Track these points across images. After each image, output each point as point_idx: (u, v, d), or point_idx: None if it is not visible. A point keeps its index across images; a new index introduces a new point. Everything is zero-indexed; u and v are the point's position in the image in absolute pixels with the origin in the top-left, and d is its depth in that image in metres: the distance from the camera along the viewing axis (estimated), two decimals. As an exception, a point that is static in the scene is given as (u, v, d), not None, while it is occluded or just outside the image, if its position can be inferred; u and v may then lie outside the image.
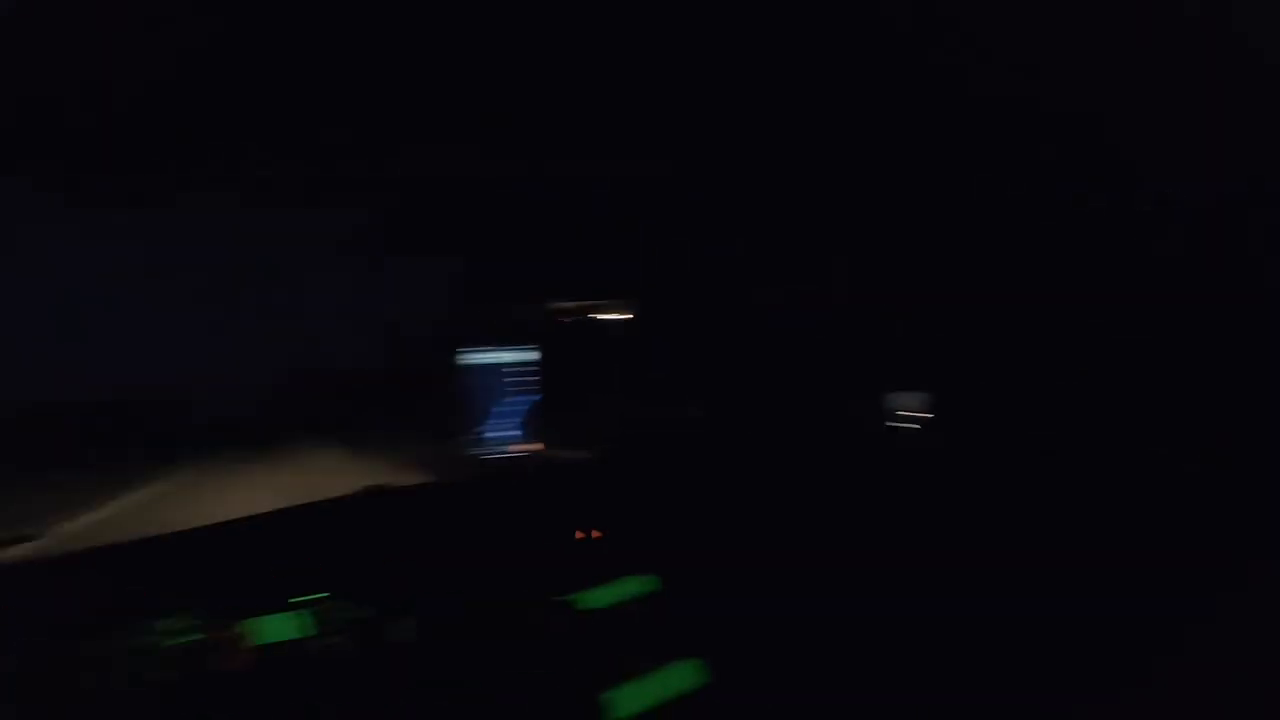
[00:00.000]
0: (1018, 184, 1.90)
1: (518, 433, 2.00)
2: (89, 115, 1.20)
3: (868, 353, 2.28)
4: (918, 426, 2.26)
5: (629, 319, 2.78)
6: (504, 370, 2.06)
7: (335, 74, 1.21)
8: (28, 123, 1.18)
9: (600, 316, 2.45)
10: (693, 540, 1.85)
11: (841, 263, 2.32)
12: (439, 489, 1.96)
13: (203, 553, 1.47)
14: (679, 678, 1.55)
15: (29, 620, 1.18)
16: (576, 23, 1.16)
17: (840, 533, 1.92)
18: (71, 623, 1.21)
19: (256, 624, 1.33)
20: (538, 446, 2.08)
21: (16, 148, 1.26)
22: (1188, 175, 1.78)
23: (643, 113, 1.47)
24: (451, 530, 1.69)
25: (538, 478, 2.09)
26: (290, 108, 1.28)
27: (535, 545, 1.73)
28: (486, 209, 1.86)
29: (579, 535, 1.83)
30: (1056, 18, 1.40)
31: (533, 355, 2.07)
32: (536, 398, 2.04)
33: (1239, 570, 1.64)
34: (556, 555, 1.73)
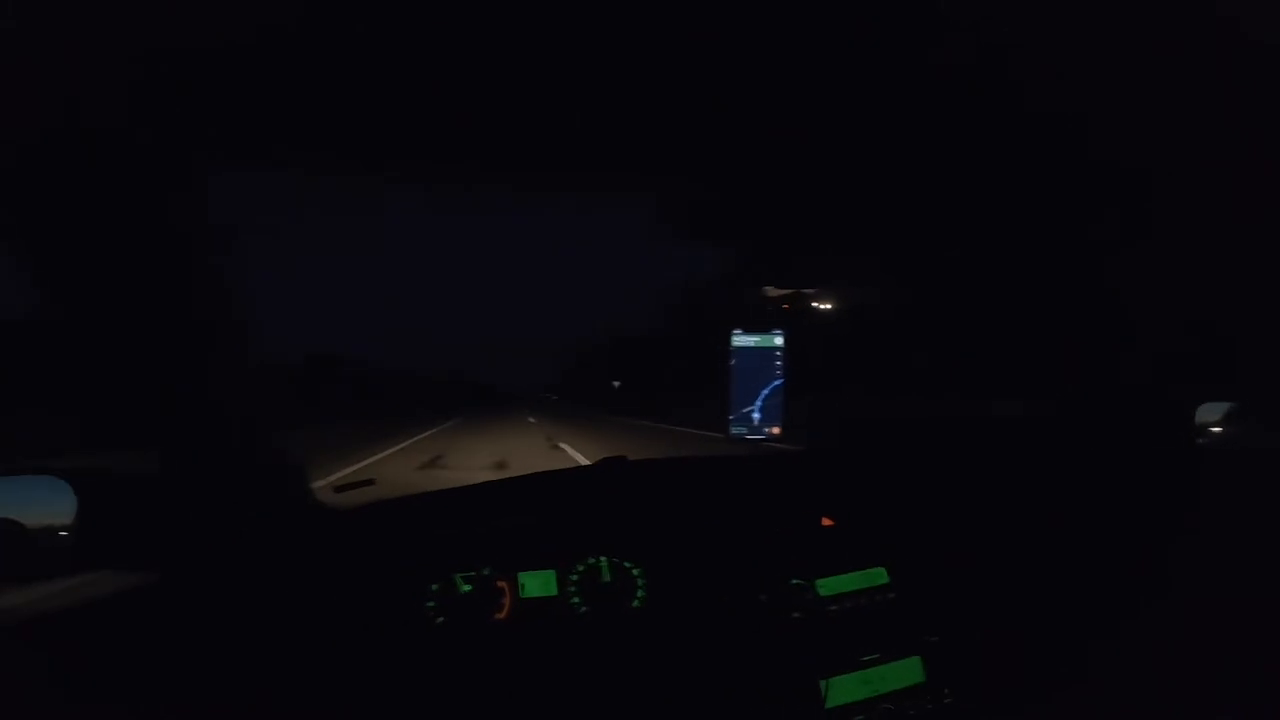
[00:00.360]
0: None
1: (763, 416, 1.98)
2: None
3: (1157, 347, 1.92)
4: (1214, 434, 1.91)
5: (882, 308, 2.60)
6: (761, 353, 2.04)
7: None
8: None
9: (850, 305, 2.32)
10: (929, 536, 1.70)
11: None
12: (678, 464, 2.01)
13: (479, 508, 1.66)
14: (898, 674, 1.49)
15: (373, 561, 1.43)
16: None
17: (1092, 545, 1.67)
18: (402, 565, 1.44)
19: (521, 579, 1.47)
20: (778, 430, 2.05)
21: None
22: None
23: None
24: (693, 505, 1.73)
25: (780, 461, 2.06)
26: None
27: (774, 527, 1.68)
28: (762, 202, 1.87)
29: (826, 522, 1.78)
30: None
31: (781, 340, 2.02)
32: (780, 382, 2.00)
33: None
34: (797, 539, 1.67)
